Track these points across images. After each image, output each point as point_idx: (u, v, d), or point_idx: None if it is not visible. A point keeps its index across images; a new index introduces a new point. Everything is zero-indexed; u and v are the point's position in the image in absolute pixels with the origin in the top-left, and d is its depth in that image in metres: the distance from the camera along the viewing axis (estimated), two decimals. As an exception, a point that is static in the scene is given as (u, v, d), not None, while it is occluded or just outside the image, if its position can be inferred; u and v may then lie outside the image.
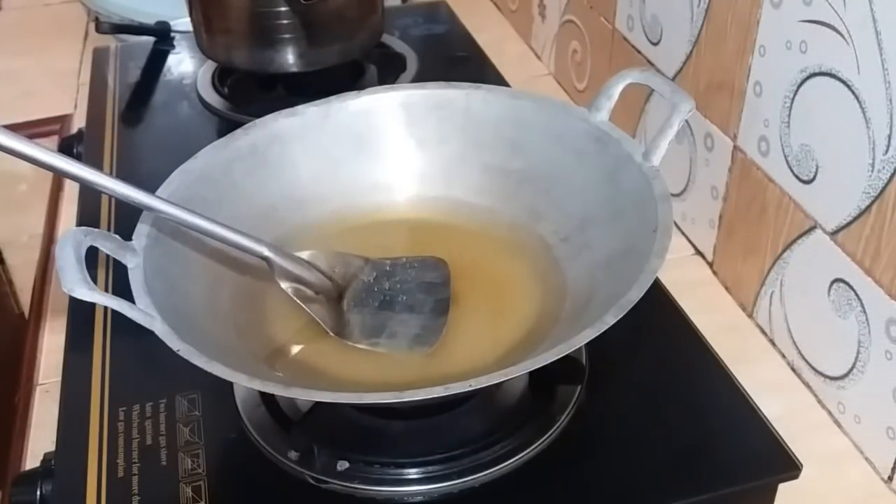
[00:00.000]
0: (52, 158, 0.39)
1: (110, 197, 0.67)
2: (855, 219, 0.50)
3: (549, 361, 0.38)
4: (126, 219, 0.47)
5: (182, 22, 0.87)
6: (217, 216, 0.50)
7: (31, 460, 0.55)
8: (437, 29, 0.92)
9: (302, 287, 0.48)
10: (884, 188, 0.47)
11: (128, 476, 0.46)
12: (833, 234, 0.52)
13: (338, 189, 0.55)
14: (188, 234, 0.48)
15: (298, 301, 0.48)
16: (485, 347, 0.48)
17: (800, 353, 0.57)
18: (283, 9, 0.72)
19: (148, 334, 0.40)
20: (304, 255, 0.49)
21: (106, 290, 0.40)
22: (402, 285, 0.51)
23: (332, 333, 0.48)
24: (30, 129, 0.89)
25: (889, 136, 0.46)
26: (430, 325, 0.49)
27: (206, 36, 0.77)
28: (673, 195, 0.69)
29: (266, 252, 0.46)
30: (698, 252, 0.68)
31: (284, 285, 0.48)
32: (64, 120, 0.89)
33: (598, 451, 0.47)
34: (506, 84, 0.79)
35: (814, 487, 0.50)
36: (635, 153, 0.49)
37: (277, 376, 0.45)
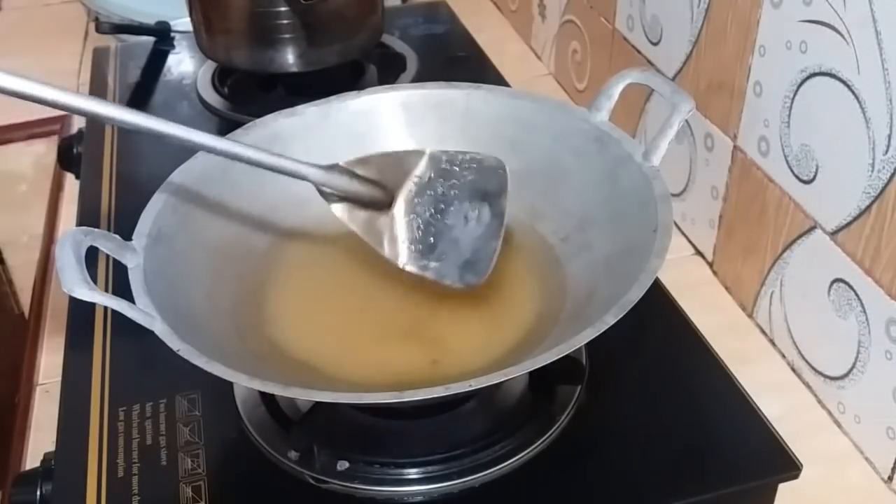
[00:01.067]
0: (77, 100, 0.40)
1: (110, 198, 0.67)
2: (855, 219, 0.50)
3: (549, 361, 0.38)
4: (126, 219, 0.47)
5: (182, 22, 0.87)
6: (217, 216, 0.51)
7: (32, 460, 0.55)
8: (437, 29, 0.92)
9: (352, 204, 0.47)
10: (884, 188, 0.47)
11: (128, 476, 0.46)
12: (833, 234, 0.52)
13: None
14: (188, 233, 0.48)
15: (349, 223, 0.47)
16: (485, 347, 0.48)
17: (800, 353, 0.57)
18: (283, 9, 0.72)
19: (148, 334, 0.40)
20: (352, 161, 0.47)
21: (106, 290, 0.40)
22: (459, 191, 0.48)
23: (384, 255, 0.47)
24: (30, 129, 0.89)
25: (889, 136, 0.46)
26: (481, 248, 0.46)
27: (206, 36, 0.77)
28: (673, 195, 0.69)
29: (309, 175, 0.45)
30: (698, 252, 0.68)
31: (335, 207, 0.47)
32: (64, 120, 0.89)
33: (598, 451, 0.47)
34: (506, 84, 0.79)
35: (814, 487, 0.50)
36: (635, 153, 0.49)
37: (277, 376, 0.45)
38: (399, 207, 0.48)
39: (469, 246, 0.47)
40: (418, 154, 0.49)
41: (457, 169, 0.49)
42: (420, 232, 0.48)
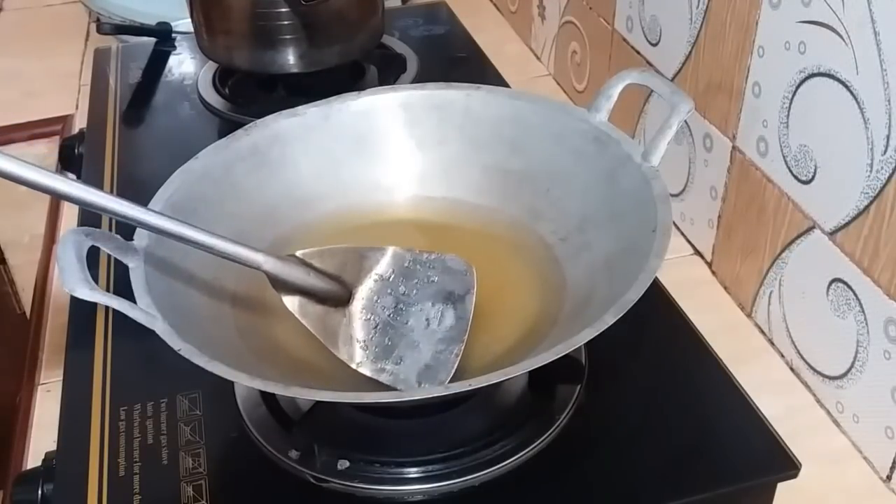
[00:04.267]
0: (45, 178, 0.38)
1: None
2: (853, 219, 0.50)
3: (548, 361, 0.38)
4: (127, 219, 0.47)
5: (183, 23, 0.87)
6: (218, 216, 0.51)
7: (33, 460, 0.55)
8: (438, 30, 0.92)
9: (306, 299, 0.45)
10: (882, 188, 0.47)
11: (129, 475, 0.46)
12: (832, 234, 0.52)
13: (338, 189, 0.55)
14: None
15: (301, 320, 0.45)
16: (485, 347, 0.48)
17: (799, 352, 0.57)
18: (283, 10, 0.73)
19: (149, 334, 0.40)
20: (311, 252, 0.46)
21: (107, 290, 0.40)
22: (420, 290, 0.47)
23: (337, 355, 0.45)
24: (31, 130, 0.89)
25: (887, 137, 0.46)
26: (442, 352, 0.45)
27: (207, 37, 0.77)
28: (672, 195, 0.69)
29: (263, 265, 0.43)
30: (697, 252, 0.68)
31: (287, 300, 0.45)
32: (65, 120, 0.89)
33: (597, 451, 0.47)
34: (505, 85, 0.79)
35: (812, 486, 0.50)
36: (635, 153, 0.49)
37: (278, 376, 0.45)
38: (356, 305, 0.46)
39: (429, 350, 0.45)
40: (381, 251, 0.48)
41: (420, 269, 0.47)
42: (377, 332, 0.46)
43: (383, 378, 0.45)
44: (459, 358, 0.45)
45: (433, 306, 0.47)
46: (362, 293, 0.47)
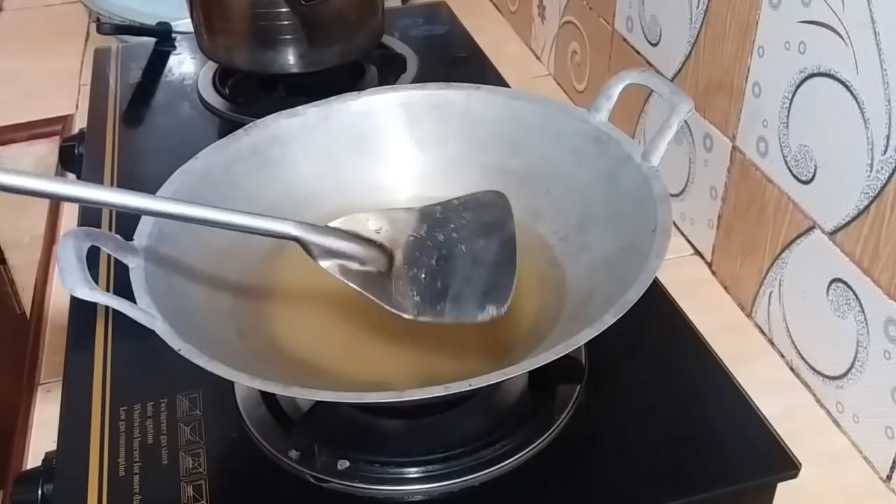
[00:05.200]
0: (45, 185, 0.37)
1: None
2: (853, 219, 0.50)
3: (548, 361, 0.38)
4: (127, 219, 0.48)
5: (183, 23, 0.87)
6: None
7: (33, 460, 0.55)
8: (438, 30, 0.92)
9: (346, 262, 0.43)
10: (882, 188, 0.47)
11: (129, 475, 0.46)
12: (832, 234, 0.52)
13: (338, 189, 0.55)
14: (189, 233, 0.48)
15: (345, 280, 0.43)
16: (484, 347, 0.48)
17: (798, 352, 0.57)
18: (283, 10, 0.73)
19: (149, 334, 0.40)
20: (340, 221, 0.45)
21: (107, 290, 0.40)
22: (460, 232, 0.45)
23: (392, 310, 0.42)
24: (31, 130, 0.89)
25: (888, 137, 0.46)
26: (498, 275, 0.43)
27: (207, 37, 0.77)
28: (672, 195, 0.69)
29: (294, 231, 0.42)
30: (697, 252, 0.68)
31: (325, 264, 0.43)
32: (65, 120, 0.89)
33: (597, 450, 0.47)
34: (505, 85, 0.79)
35: (812, 486, 0.50)
36: (634, 153, 0.49)
37: (278, 376, 0.45)
38: (398, 264, 0.45)
39: (483, 279, 0.43)
40: (410, 212, 0.46)
41: (452, 214, 0.46)
42: (427, 281, 0.44)
43: (447, 319, 0.42)
44: (516, 276, 0.42)
45: (476, 242, 0.45)
46: (402, 253, 0.45)
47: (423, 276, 0.44)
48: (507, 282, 0.42)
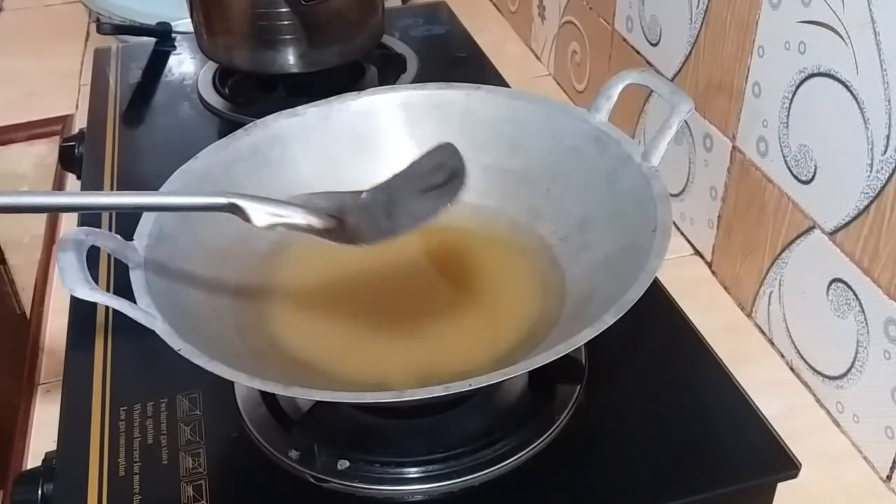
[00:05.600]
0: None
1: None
2: (853, 219, 0.50)
3: (548, 361, 0.39)
4: (127, 219, 0.48)
5: (183, 23, 0.87)
6: (218, 216, 0.51)
7: (33, 460, 0.55)
8: (438, 30, 0.92)
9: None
10: (882, 188, 0.47)
11: (129, 475, 0.46)
12: (832, 234, 0.52)
13: (338, 189, 0.55)
14: (189, 233, 0.48)
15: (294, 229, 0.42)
16: (484, 347, 0.48)
17: (798, 352, 0.57)
18: (283, 10, 0.73)
19: (149, 334, 0.40)
20: (300, 196, 0.44)
21: (107, 290, 0.40)
22: (410, 174, 0.45)
23: (345, 244, 0.42)
24: (31, 130, 0.90)
25: (888, 137, 0.46)
26: (446, 191, 0.42)
27: (207, 37, 0.77)
28: (672, 195, 0.69)
29: (233, 200, 0.41)
30: (697, 252, 0.68)
31: (265, 223, 0.42)
32: (65, 120, 0.89)
33: (597, 450, 0.47)
34: (505, 85, 0.79)
35: (812, 486, 0.50)
36: (635, 153, 0.49)
37: (278, 375, 0.45)
38: (349, 220, 0.44)
39: (434, 196, 0.42)
40: (361, 193, 0.45)
41: (395, 178, 0.45)
42: (378, 212, 0.43)
43: (399, 230, 0.41)
44: (465, 183, 0.42)
45: (428, 179, 0.44)
46: (352, 212, 0.44)
47: (377, 213, 0.43)
48: (454, 189, 0.42)
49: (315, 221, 0.42)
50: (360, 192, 0.45)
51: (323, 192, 0.45)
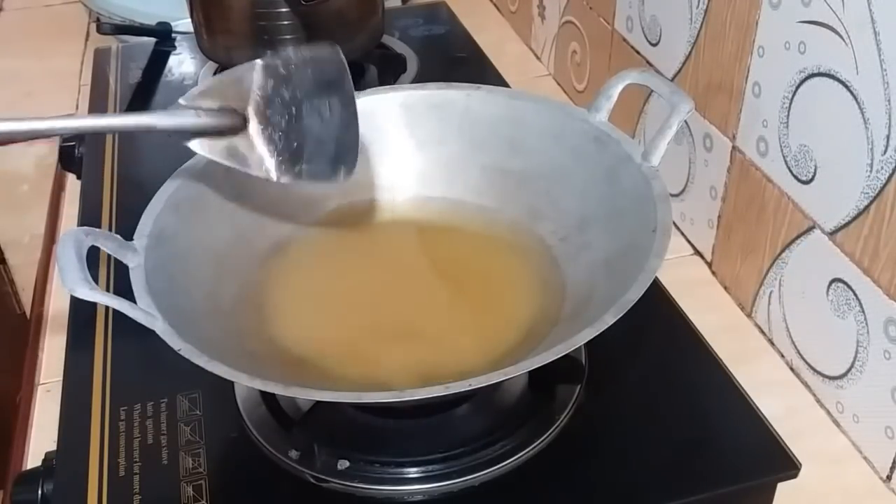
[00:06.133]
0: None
1: (111, 198, 0.68)
2: (853, 219, 0.50)
3: (548, 361, 0.39)
4: (127, 219, 0.48)
5: (183, 23, 0.87)
6: (219, 216, 0.51)
7: (33, 460, 0.55)
8: (437, 30, 0.92)
9: (213, 139, 0.46)
10: (882, 188, 0.47)
11: (129, 475, 0.46)
12: (832, 234, 0.52)
13: (338, 189, 0.55)
14: (189, 233, 0.48)
15: (211, 156, 0.46)
16: (484, 347, 0.48)
17: (798, 352, 0.57)
18: (283, 10, 0.73)
19: (149, 334, 0.40)
20: (193, 94, 0.46)
21: (107, 290, 0.40)
22: (302, 90, 0.47)
23: (257, 175, 0.46)
24: (31, 130, 0.89)
25: (888, 137, 0.46)
26: (343, 139, 0.47)
27: (207, 37, 0.77)
28: (672, 195, 0.69)
29: (157, 123, 0.45)
30: (697, 252, 0.68)
31: (192, 144, 0.45)
32: (65, 120, 0.89)
33: (597, 451, 0.47)
34: (505, 84, 0.79)
35: (812, 486, 0.50)
36: (634, 153, 0.49)
37: (278, 375, 0.45)
38: (253, 125, 0.47)
39: (332, 140, 0.47)
40: (251, 67, 0.48)
41: (293, 68, 0.48)
42: (282, 141, 0.46)
43: (303, 179, 0.46)
44: (359, 136, 0.47)
45: (319, 100, 0.47)
46: (253, 111, 0.47)
47: (279, 136, 0.46)
48: (353, 145, 0.47)
49: (228, 132, 0.46)
50: (258, 69, 0.48)
51: (219, 79, 0.48)
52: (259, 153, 0.46)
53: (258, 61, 0.48)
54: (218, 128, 0.46)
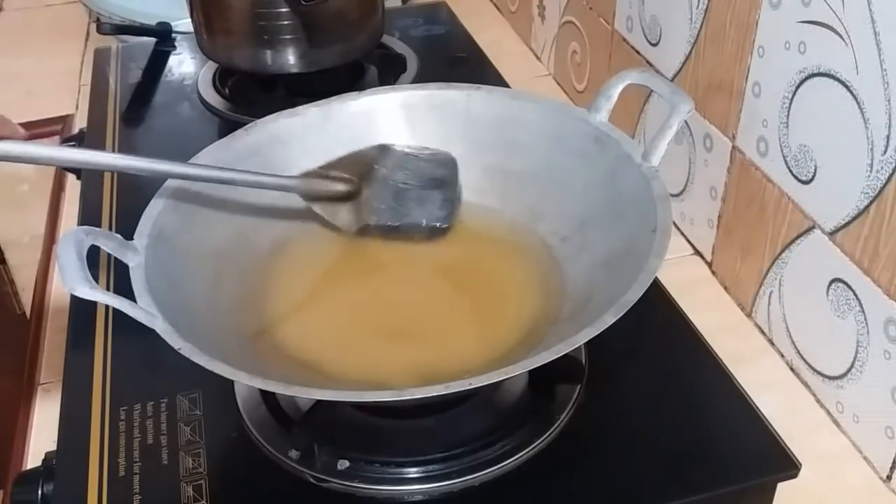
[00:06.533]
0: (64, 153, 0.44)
1: (111, 198, 0.68)
2: (853, 219, 0.50)
3: (548, 360, 0.39)
4: (127, 218, 0.48)
5: (183, 23, 0.87)
6: (219, 216, 0.51)
7: (33, 460, 0.55)
8: (438, 30, 0.92)
9: (330, 202, 0.52)
10: (882, 188, 0.47)
11: (129, 475, 0.46)
12: (832, 234, 0.52)
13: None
14: (189, 232, 0.48)
15: (330, 219, 0.53)
16: (485, 347, 0.48)
17: (798, 352, 0.57)
18: (283, 10, 0.73)
19: (149, 333, 0.40)
20: (324, 165, 0.53)
21: (107, 289, 0.40)
22: (414, 179, 0.54)
23: (355, 227, 0.53)
24: (31, 130, 0.89)
25: (888, 137, 0.46)
26: (440, 211, 0.54)
27: (207, 37, 0.77)
28: (672, 195, 0.69)
29: (297, 186, 0.51)
30: (697, 252, 0.68)
31: (317, 207, 0.52)
32: (65, 120, 0.89)
33: (597, 450, 0.47)
34: (506, 85, 0.79)
35: (812, 486, 0.50)
36: (635, 153, 0.49)
37: (278, 375, 0.45)
38: (365, 194, 0.53)
39: (432, 208, 0.54)
40: (375, 148, 0.54)
41: (412, 159, 0.54)
42: (386, 210, 0.53)
43: (399, 232, 0.53)
44: (457, 212, 0.54)
45: (427, 192, 0.54)
46: (369, 184, 0.54)
47: (382, 206, 0.53)
48: (448, 213, 0.54)
49: (340, 186, 0.53)
50: (379, 150, 0.55)
51: (347, 155, 0.54)
52: (362, 217, 0.53)
53: (381, 145, 0.54)
54: (342, 194, 0.53)
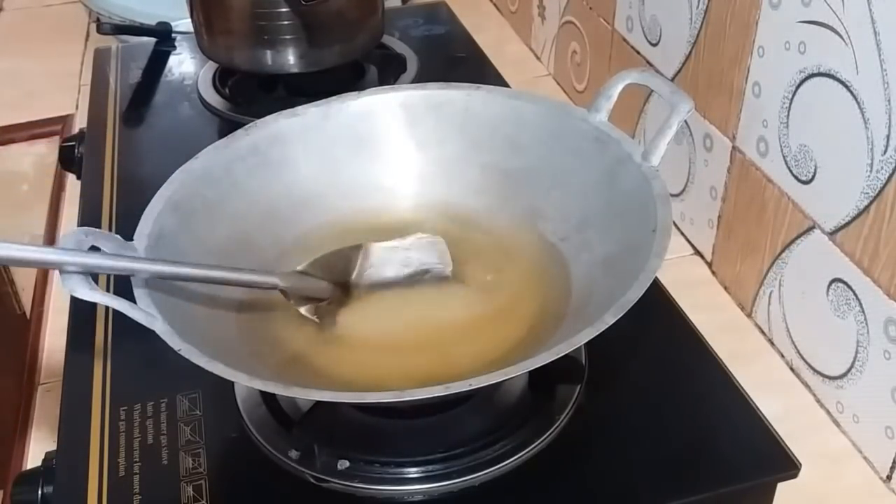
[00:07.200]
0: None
1: (111, 198, 0.68)
2: (853, 219, 0.50)
3: (548, 361, 0.38)
4: (127, 219, 0.48)
5: (183, 23, 0.87)
6: (218, 216, 0.51)
7: (33, 460, 0.55)
8: (437, 30, 0.92)
9: (316, 303, 0.49)
10: (882, 188, 0.47)
11: (129, 475, 0.46)
12: (832, 234, 0.52)
13: (338, 189, 0.55)
14: (189, 233, 0.48)
15: (317, 320, 0.49)
16: (485, 347, 0.48)
17: (799, 352, 0.57)
18: (283, 10, 0.73)
19: (149, 334, 0.40)
20: (306, 265, 0.50)
21: (107, 290, 0.40)
22: (403, 272, 0.52)
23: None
24: (31, 130, 0.90)
25: (888, 137, 0.46)
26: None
27: (207, 37, 0.77)
28: (672, 195, 0.69)
29: (279, 283, 0.48)
30: (697, 252, 0.68)
31: (303, 309, 0.49)
32: (65, 120, 0.89)
33: (597, 451, 0.47)
34: (505, 85, 0.79)
35: (812, 486, 0.50)
36: (635, 153, 0.49)
37: (278, 376, 0.45)
38: (354, 295, 0.51)
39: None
40: (358, 248, 0.52)
41: (397, 253, 0.52)
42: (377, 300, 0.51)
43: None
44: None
45: (418, 280, 0.52)
46: (354, 283, 0.52)
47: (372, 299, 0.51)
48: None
49: (331, 293, 0.51)
50: (360, 250, 0.52)
51: (329, 253, 0.52)
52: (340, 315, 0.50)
53: (364, 244, 0.52)
54: (328, 294, 0.50)
